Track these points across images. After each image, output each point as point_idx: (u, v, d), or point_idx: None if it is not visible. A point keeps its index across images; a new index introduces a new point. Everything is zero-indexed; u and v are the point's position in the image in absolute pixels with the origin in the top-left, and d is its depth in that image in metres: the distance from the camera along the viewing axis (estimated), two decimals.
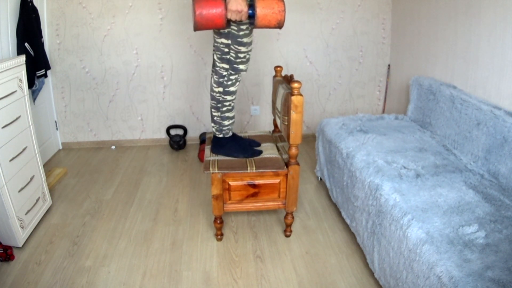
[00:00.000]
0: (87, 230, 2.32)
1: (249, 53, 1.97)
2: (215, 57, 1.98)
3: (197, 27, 1.75)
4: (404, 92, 3.29)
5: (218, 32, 1.89)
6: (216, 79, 2.00)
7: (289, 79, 2.23)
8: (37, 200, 2.32)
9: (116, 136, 3.64)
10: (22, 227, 2.12)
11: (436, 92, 2.50)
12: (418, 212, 1.61)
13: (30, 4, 2.78)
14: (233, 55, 1.92)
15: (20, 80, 2.18)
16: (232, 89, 2.02)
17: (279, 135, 2.54)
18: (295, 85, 1.92)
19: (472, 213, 1.60)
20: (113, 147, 3.63)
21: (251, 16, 1.80)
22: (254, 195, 2.11)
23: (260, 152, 2.18)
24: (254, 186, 2.09)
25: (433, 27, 2.77)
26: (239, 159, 2.11)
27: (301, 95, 1.93)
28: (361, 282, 1.90)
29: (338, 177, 2.34)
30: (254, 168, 2.03)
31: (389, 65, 3.62)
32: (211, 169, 2.02)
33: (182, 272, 1.98)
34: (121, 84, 3.46)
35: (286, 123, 2.06)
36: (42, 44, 2.94)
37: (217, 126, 2.12)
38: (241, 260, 2.07)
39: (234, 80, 2.00)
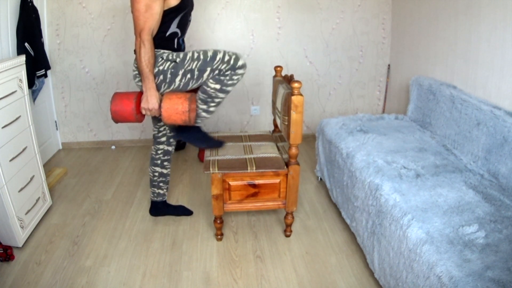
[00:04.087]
0: (87, 230, 2.32)
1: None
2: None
3: (115, 122, 1.94)
4: (404, 92, 3.29)
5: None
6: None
7: (289, 79, 2.23)
8: (37, 200, 2.31)
9: (116, 136, 3.64)
10: (22, 227, 2.12)
11: (436, 92, 2.50)
12: (418, 212, 1.61)
13: (30, 4, 2.78)
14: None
15: (20, 80, 2.18)
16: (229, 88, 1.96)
17: (279, 135, 2.54)
18: (295, 85, 1.92)
19: (472, 213, 1.60)
20: (113, 147, 3.63)
21: None
22: (254, 195, 2.11)
23: (222, 142, 2.20)
24: (254, 186, 2.09)
25: (433, 27, 2.77)
26: (238, 159, 2.11)
27: (301, 95, 1.93)
28: (361, 282, 1.90)
29: (338, 177, 2.34)
30: (254, 168, 2.03)
31: (389, 65, 3.62)
32: (211, 169, 2.02)
33: (182, 272, 1.98)
34: (121, 84, 3.45)
35: (286, 123, 2.06)
36: (42, 44, 2.94)
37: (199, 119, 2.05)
38: (241, 260, 2.07)
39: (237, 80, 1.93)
